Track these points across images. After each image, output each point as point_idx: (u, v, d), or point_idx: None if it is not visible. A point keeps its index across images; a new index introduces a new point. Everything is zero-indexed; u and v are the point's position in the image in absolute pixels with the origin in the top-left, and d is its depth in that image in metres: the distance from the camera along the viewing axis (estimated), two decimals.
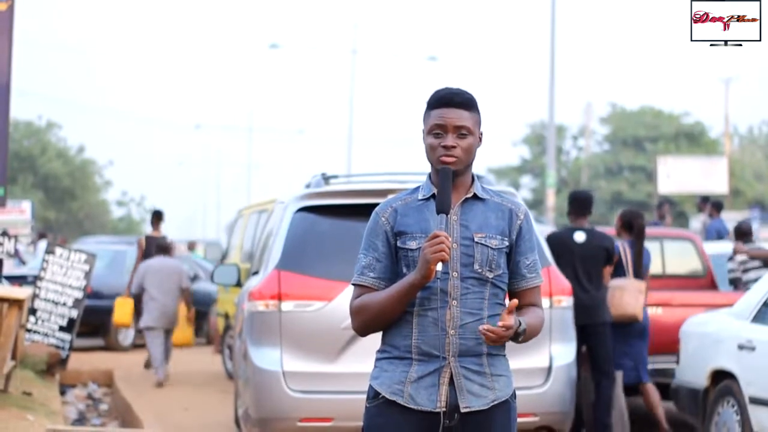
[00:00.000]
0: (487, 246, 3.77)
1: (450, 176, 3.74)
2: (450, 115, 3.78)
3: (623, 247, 9.45)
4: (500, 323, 3.61)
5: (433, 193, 3.80)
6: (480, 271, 3.75)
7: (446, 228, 3.71)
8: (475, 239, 3.77)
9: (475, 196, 3.83)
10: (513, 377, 3.89)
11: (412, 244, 3.76)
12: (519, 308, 3.84)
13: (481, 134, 3.87)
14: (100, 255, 15.59)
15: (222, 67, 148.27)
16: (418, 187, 3.89)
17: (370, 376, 3.87)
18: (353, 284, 3.85)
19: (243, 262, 12.82)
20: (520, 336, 3.70)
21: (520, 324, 3.68)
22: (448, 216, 3.75)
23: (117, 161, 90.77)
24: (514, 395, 3.87)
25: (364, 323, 3.82)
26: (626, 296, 9.18)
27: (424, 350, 3.74)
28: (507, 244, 3.81)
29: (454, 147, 3.76)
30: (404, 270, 3.77)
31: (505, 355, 3.85)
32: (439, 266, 3.63)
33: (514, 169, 60.51)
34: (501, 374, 3.81)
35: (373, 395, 3.82)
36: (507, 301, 3.81)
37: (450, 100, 3.80)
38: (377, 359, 3.86)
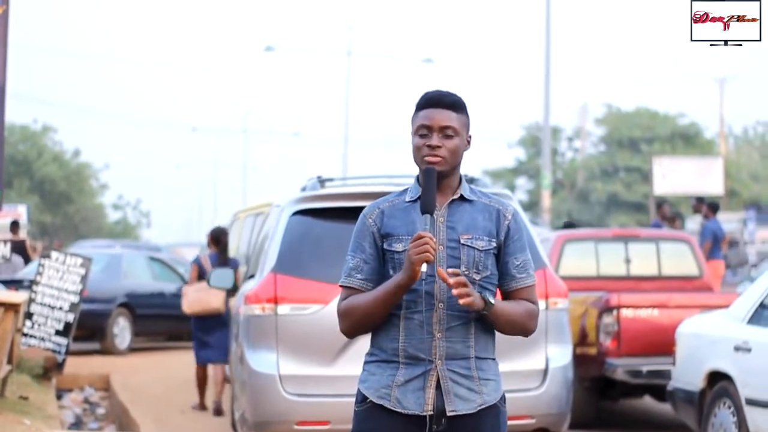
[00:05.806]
0: (474, 248, 3.75)
1: (434, 176, 3.71)
2: (436, 115, 3.76)
3: (205, 258, 11.75)
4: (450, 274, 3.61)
5: (420, 195, 3.76)
6: (467, 273, 3.72)
7: (432, 229, 3.69)
8: (462, 241, 3.74)
9: (462, 198, 3.81)
10: (502, 381, 3.85)
11: (398, 247, 3.74)
12: None
13: (470, 137, 3.84)
14: (96, 259, 15.57)
15: (218, 69, 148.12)
16: (407, 189, 3.87)
17: (358, 380, 3.84)
18: (341, 286, 3.83)
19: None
20: (489, 306, 3.65)
21: (485, 297, 3.66)
22: (435, 217, 3.73)
23: (113, 164, 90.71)
24: (503, 400, 3.83)
25: (351, 325, 3.79)
26: (209, 295, 11.24)
27: (411, 353, 3.72)
28: (495, 245, 3.78)
29: (439, 147, 3.73)
30: (390, 272, 3.74)
31: (494, 359, 3.83)
32: (424, 267, 3.61)
33: (509, 170, 60.47)
34: (489, 378, 3.78)
35: (361, 399, 3.80)
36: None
37: (438, 100, 3.79)
38: (365, 362, 3.84)
